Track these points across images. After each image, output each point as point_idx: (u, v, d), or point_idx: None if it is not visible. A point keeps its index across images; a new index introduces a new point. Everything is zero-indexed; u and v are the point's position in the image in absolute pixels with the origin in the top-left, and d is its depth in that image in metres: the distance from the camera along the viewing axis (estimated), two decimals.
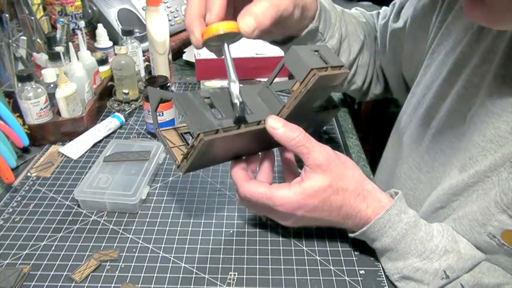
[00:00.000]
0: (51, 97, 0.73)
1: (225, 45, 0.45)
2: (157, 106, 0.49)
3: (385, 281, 0.51)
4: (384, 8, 0.76)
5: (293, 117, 0.47)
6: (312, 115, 0.56)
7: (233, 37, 0.45)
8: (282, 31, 0.58)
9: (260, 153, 0.53)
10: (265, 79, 0.49)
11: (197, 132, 0.42)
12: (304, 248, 0.55)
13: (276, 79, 0.49)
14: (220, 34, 0.43)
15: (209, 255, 0.54)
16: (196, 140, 0.43)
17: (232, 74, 0.45)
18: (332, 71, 0.47)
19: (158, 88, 0.72)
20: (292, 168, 0.52)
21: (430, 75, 0.59)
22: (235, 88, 0.44)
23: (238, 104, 0.44)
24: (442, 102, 0.55)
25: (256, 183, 0.48)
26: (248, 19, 0.44)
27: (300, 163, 0.49)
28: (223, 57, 0.46)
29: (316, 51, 0.48)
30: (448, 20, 0.57)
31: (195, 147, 0.43)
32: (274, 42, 0.63)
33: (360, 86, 0.75)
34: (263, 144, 0.51)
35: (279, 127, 0.45)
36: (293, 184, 0.47)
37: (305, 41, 0.61)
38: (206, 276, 0.51)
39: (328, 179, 0.46)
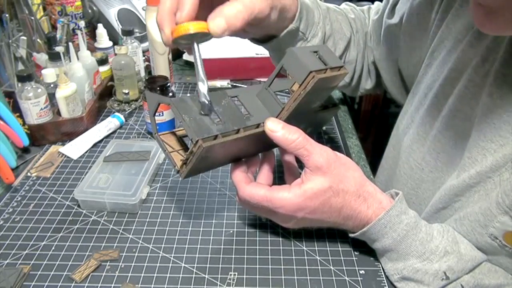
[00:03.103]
0: (51, 97, 0.73)
1: (195, 44, 0.45)
2: (155, 111, 0.49)
3: (385, 281, 0.51)
4: (376, 3, 0.75)
5: (292, 118, 0.47)
6: (312, 115, 0.56)
7: (203, 36, 0.45)
8: (260, 31, 0.58)
9: (260, 154, 0.53)
10: (265, 79, 0.49)
11: (195, 138, 0.42)
12: (304, 248, 0.55)
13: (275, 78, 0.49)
14: (189, 33, 0.43)
15: (209, 255, 0.53)
16: (195, 146, 0.42)
17: (201, 73, 0.45)
18: (331, 73, 0.47)
19: (158, 88, 0.72)
20: (292, 170, 0.52)
21: (431, 75, 0.59)
22: (203, 87, 0.44)
23: (206, 103, 0.44)
24: (444, 101, 0.55)
25: (256, 186, 0.48)
26: (218, 21, 0.43)
27: (300, 163, 0.49)
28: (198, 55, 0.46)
29: (315, 51, 0.48)
30: (448, 18, 0.56)
31: (194, 153, 0.43)
32: (254, 40, 0.63)
33: (348, 82, 0.75)
34: (263, 146, 0.51)
35: (278, 129, 0.45)
36: (293, 186, 0.47)
37: (285, 41, 0.60)
38: (206, 276, 0.51)
39: (329, 181, 0.46)
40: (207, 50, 0.96)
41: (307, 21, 0.61)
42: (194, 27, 0.43)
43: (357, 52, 0.73)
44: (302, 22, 0.60)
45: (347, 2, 0.78)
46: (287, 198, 0.46)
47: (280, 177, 0.66)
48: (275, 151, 0.53)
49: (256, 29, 0.55)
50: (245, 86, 0.94)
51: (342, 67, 0.48)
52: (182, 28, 0.43)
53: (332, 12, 0.69)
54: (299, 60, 0.45)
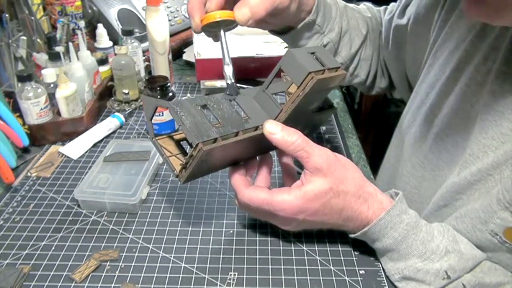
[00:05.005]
0: (51, 97, 0.73)
1: (222, 31, 0.51)
2: (152, 115, 0.49)
3: (385, 281, 0.50)
4: (392, 4, 0.76)
5: (289, 120, 0.47)
6: (309, 116, 0.56)
7: (229, 24, 0.52)
8: (280, 22, 0.62)
9: (257, 157, 0.53)
10: (265, 79, 0.49)
11: (196, 142, 0.42)
12: (304, 248, 0.55)
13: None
14: (217, 20, 0.49)
15: (209, 255, 0.53)
16: (195, 150, 0.42)
17: (226, 57, 0.50)
18: (329, 74, 0.47)
19: (158, 88, 0.72)
20: (290, 172, 0.52)
21: (433, 74, 0.59)
22: (228, 70, 0.50)
23: (230, 84, 0.49)
24: (445, 100, 0.55)
25: (256, 189, 0.48)
26: (243, 10, 0.50)
27: (298, 163, 0.49)
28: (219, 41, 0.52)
29: (313, 53, 0.48)
30: (452, 19, 0.57)
31: (194, 157, 0.43)
32: (273, 32, 0.67)
33: (364, 80, 0.76)
34: (261, 148, 0.51)
35: (277, 132, 0.45)
36: (293, 188, 0.47)
37: (302, 33, 0.64)
38: (206, 276, 0.51)
39: (329, 182, 0.46)
40: (207, 50, 0.96)
41: (324, 15, 0.64)
42: (221, 15, 0.50)
43: (373, 50, 0.75)
44: (319, 16, 0.64)
45: (365, 3, 0.80)
46: (287, 200, 0.46)
47: (279, 177, 0.67)
48: (273, 153, 0.53)
49: (276, 20, 0.59)
50: (245, 86, 0.94)
51: (339, 68, 0.49)
52: (210, 16, 0.50)
53: (350, 9, 0.72)
54: (297, 61, 0.45)
